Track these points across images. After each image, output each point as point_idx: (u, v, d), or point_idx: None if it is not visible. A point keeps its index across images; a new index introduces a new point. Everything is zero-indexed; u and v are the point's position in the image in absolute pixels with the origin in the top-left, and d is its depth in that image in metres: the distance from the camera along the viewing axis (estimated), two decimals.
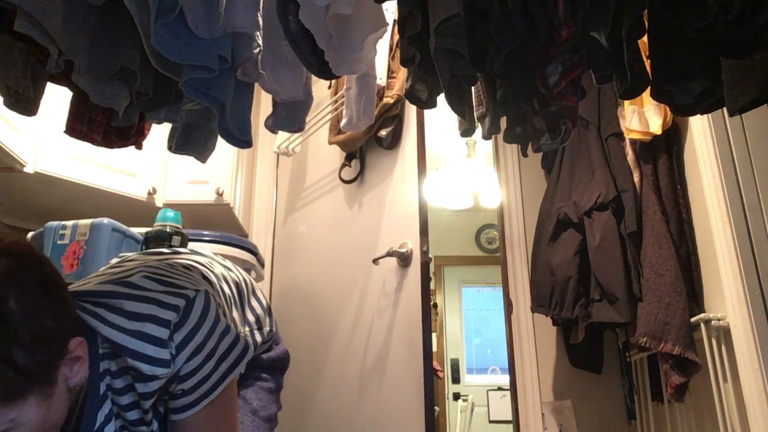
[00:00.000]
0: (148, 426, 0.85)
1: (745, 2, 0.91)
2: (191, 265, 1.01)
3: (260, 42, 1.14)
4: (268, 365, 1.23)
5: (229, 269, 1.20)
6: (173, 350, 0.82)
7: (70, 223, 1.80)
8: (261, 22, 1.14)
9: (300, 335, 2.49)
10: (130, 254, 1.11)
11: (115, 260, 1.05)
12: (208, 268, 1.08)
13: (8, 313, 0.69)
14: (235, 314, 1.12)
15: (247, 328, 1.18)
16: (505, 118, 1.45)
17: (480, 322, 5.81)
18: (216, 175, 2.54)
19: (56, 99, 1.66)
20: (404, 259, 2.00)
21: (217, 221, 2.65)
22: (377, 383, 2.03)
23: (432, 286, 5.22)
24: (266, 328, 1.22)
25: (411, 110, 2.16)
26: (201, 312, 0.85)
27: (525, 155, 1.52)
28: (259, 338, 1.20)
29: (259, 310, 1.20)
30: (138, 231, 1.83)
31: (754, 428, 1.64)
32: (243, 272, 1.24)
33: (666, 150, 2.13)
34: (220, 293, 1.05)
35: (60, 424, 0.78)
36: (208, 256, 1.18)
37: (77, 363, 0.78)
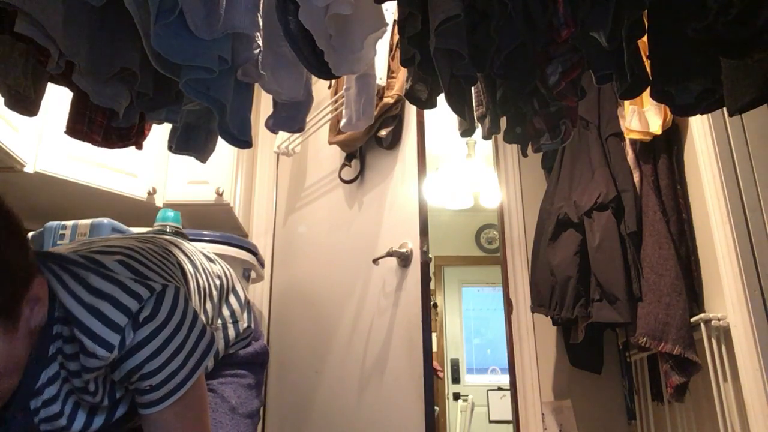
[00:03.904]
0: (93, 396, 0.85)
1: (744, 2, 0.91)
2: (170, 253, 1.01)
3: (260, 42, 1.14)
4: (246, 361, 1.22)
5: (212, 261, 1.19)
6: (132, 341, 0.81)
7: (70, 223, 1.80)
8: (261, 23, 1.15)
9: (300, 335, 2.49)
10: (114, 235, 1.10)
11: (98, 238, 1.05)
12: (188, 257, 1.08)
13: None
14: (209, 306, 1.11)
15: (220, 322, 1.17)
16: (505, 118, 1.45)
17: (480, 322, 5.81)
18: (216, 175, 2.54)
19: (56, 99, 1.66)
20: (404, 259, 2.00)
21: (217, 221, 2.65)
22: (377, 383, 2.03)
23: (432, 286, 5.22)
24: (243, 324, 1.20)
25: (411, 110, 2.16)
26: (170, 306, 0.85)
27: (525, 155, 1.52)
28: (232, 333, 1.19)
29: (235, 305, 1.20)
30: (138, 231, 1.83)
31: (754, 428, 1.64)
32: (226, 265, 1.24)
33: (666, 150, 2.13)
34: (194, 285, 1.04)
35: (21, 367, 0.79)
36: (193, 247, 1.18)
37: (38, 303, 0.79)
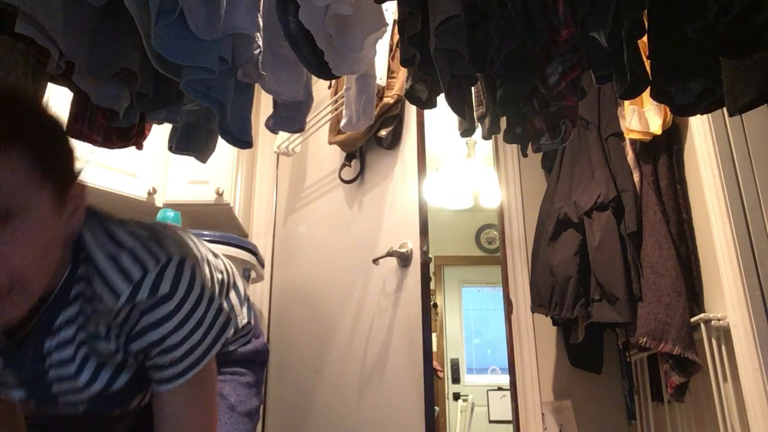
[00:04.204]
0: (107, 342, 0.84)
1: (745, 2, 0.91)
2: (186, 237, 1.02)
3: (260, 43, 1.14)
4: (245, 359, 1.21)
5: (216, 257, 1.19)
6: (153, 312, 0.82)
7: None
8: (261, 23, 1.15)
9: (300, 335, 2.49)
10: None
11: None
12: (197, 247, 1.08)
13: (42, 116, 0.77)
14: None
15: None
16: (505, 118, 1.45)
17: (480, 322, 5.81)
18: (216, 175, 2.54)
19: (57, 99, 1.66)
20: (404, 259, 2.00)
21: (217, 221, 2.65)
22: (377, 383, 2.03)
23: (432, 286, 5.22)
24: (242, 320, 1.19)
25: (411, 110, 2.16)
26: (190, 278, 0.85)
27: (525, 155, 1.53)
28: (230, 330, 1.19)
29: (235, 301, 1.19)
30: None
31: (754, 428, 1.64)
32: (228, 261, 1.24)
33: (666, 150, 2.13)
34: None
35: (51, 271, 0.79)
36: (199, 241, 1.18)
37: (76, 211, 0.81)
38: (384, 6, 1.22)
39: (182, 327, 0.84)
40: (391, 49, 2.14)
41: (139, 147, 1.44)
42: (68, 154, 0.81)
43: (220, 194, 2.51)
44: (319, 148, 2.60)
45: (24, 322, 0.81)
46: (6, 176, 0.70)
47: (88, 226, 0.85)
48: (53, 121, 0.80)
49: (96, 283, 0.80)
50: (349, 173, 2.37)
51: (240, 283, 1.24)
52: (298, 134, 2.52)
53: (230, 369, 1.18)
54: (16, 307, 0.74)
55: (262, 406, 2.51)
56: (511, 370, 2.54)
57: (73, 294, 0.83)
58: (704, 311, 1.93)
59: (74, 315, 0.84)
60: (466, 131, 1.48)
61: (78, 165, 0.84)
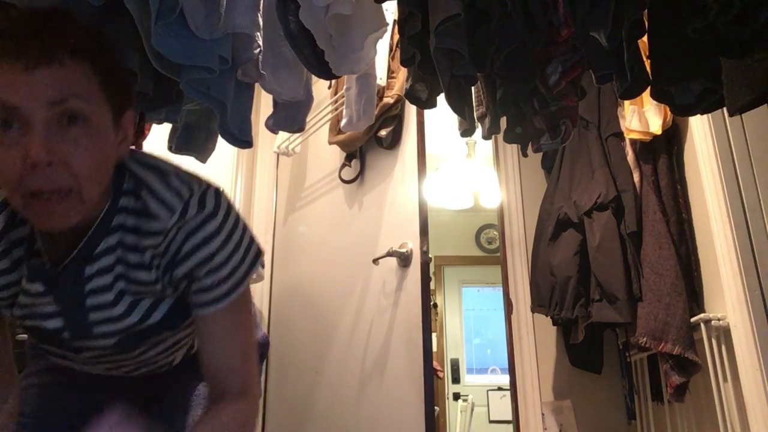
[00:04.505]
0: (148, 272, 0.87)
1: (745, 2, 0.91)
2: None
3: (260, 42, 1.14)
4: None
5: None
6: (198, 232, 0.85)
7: None
8: (261, 23, 1.15)
9: (300, 335, 2.49)
10: None
11: None
12: None
13: (108, 43, 0.82)
14: None
15: None
16: (505, 118, 1.45)
17: (480, 322, 5.81)
18: (216, 175, 2.52)
19: None
20: (404, 259, 2.00)
21: None
22: (377, 383, 2.03)
23: (432, 286, 5.22)
24: None
25: (411, 110, 2.16)
26: (228, 204, 0.89)
27: (525, 155, 1.53)
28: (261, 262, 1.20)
29: None
30: None
31: (754, 428, 1.64)
32: None
33: (666, 150, 2.13)
34: None
35: (103, 188, 0.82)
36: None
37: (126, 137, 0.85)
38: (384, 6, 1.22)
39: (226, 245, 0.87)
40: (391, 49, 2.14)
41: (139, 147, 1.44)
42: (126, 82, 0.87)
43: None
44: (319, 148, 2.60)
45: (67, 249, 0.85)
46: (76, 82, 0.75)
47: (130, 157, 0.89)
48: (115, 50, 0.86)
49: (150, 202, 0.85)
50: (349, 173, 2.37)
51: None
52: (298, 134, 2.52)
53: None
54: (67, 214, 0.78)
55: (261, 406, 2.52)
56: (511, 370, 2.54)
57: (114, 224, 0.86)
58: (704, 311, 1.93)
59: (114, 245, 0.87)
60: (466, 131, 1.48)
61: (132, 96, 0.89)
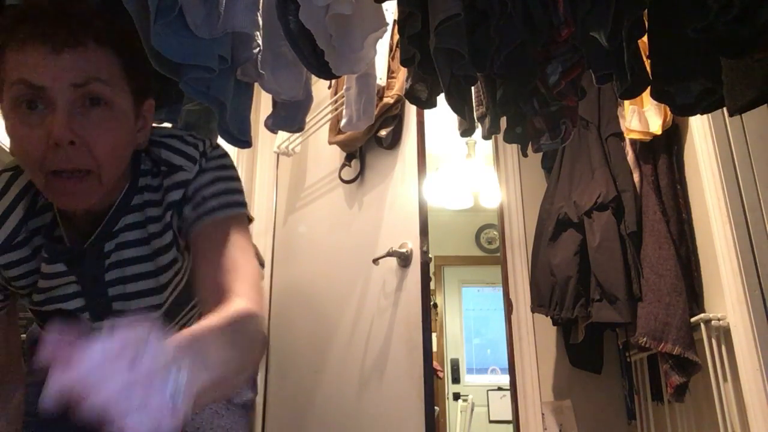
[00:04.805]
0: (160, 237, 0.89)
1: (745, 2, 0.91)
2: None
3: (260, 42, 1.14)
4: None
5: None
6: (206, 171, 0.90)
7: None
8: (261, 22, 1.15)
9: (300, 335, 2.49)
10: None
11: None
12: None
13: (132, 32, 0.88)
14: None
15: None
16: (505, 118, 1.45)
17: (480, 322, 5.81)
18: None
19: None
20: (404, 259, 2.00)
21: None
22: (377, 383, 2.03)
23: (432, 286, 5.22)
24: None
25: (411, 110, 2.16)
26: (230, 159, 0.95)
27: (525, 155, 1.53)
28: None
29: None
30: None
31: (754, 428, 1.64)
32: None
33: (666, 150, 2.13)
34: None
35: (121, 172, 0.85)
36: None
37: (146, 124, 0.88)
38: (384, 6, 1.22)
39: (227, 178, 0.92)
40: (391, 49, 2.14)
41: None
42: (147, 71, 0.90)
43: None
44: (319, 148, 2.60)
45: (88, 232, 0.88)
46: (100, 66, 0.78)
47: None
48: (137, 39, 0.91)
49: (172, 158, 0.89)
50: (349, 173, 2.37)
51: None
52: (298, 134, 2.52)
53: None
54: (86, 194, 0.80)
55: (262, 406, 2.52)
56: (511, 370, 2.53)
57: (134, 202, 0.90)
58: (704, 311, 1.93)
59: (135, 222, 0.90)
60: (466, 131, 1.48)
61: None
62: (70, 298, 0.92)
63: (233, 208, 0.90)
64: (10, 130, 0.79)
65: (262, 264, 2.40)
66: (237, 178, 0.94)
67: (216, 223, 0.88)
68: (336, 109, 2.30)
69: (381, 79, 2.09)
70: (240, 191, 0.93)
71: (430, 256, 1.99)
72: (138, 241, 0.90)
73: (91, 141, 0.77)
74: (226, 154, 0.94)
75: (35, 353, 1.11)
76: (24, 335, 1.16)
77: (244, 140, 1.25)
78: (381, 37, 1.28)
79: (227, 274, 0.82)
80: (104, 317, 0.93)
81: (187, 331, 0.57)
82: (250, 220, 0.96)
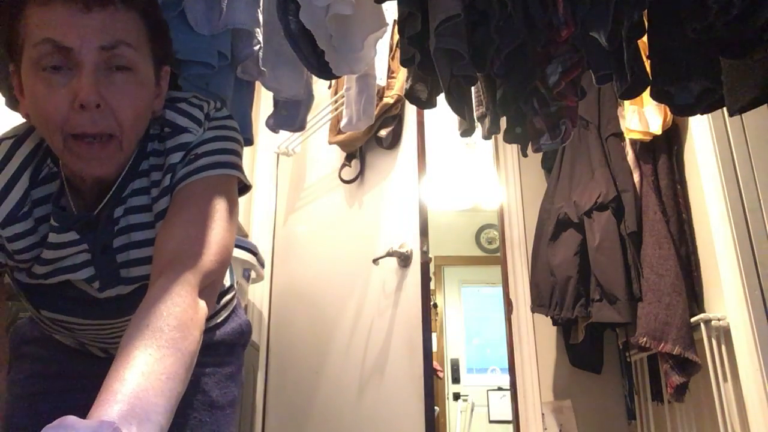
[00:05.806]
0: (158, 201, 0.87)
1: (745, 2, 0.91)
2: None
3: (260, 39, 1.14)
4: (230, 342, 1.14)
5: None
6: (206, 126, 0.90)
7: None
8: (261, 19, 1.15)
9: (300, 335, 2.49)
10: None
11: None
12: None
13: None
14: None
15: None
16: (505, 118, 1.45)
17: (480, 322, 5.81)
18: None
19: None
20: (404, 259, 2.00)
21: None
22: (377, 383, 2.03)
23: (432, 286, 5.22)
24: (225, 282, 1.10)
25: (411, 110, 2.16)
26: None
27: (525, 155, 1.52)
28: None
29: None
30: None
31: (754, 428, 1.64)
32: None
33: (666, 150, 2.13)
34: None
35: (138, 138, 0.84)
36: None
37: (162, 92, 0.88)
38: (384, 6, 1.22)
39: (230, 139, 0.90)
40: (391, 49, 2.14)
41: None
42: (169, 39, 0.90)
43: None
44: (319, 148, 2.60)
45: (96, 199, 0.86)
46: (128, 30, 0.78)
47: None
48: (159, 6, 0.90)
49: (177, 120, 0.88)
50: (349, 173, 2.37)
51: None
52: (298, 134, 2.52)
53: (212, 358, 1.12)
54: (107, 160, 0.79)
55: (262, 406, 2.52)
56: (511, 370, 2.54)
57: (142, 168, 0.87)
58: (704, 311, 1.93)
59: (142, 187, 0.88)
60: (466, 131, 1.48)
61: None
62: (80, 268, 0.88)
63: (223, 168, 0.85)
64: (29, 90, 0.76)
65: (262, 264, 2.40)
66: (236, 140, 0.90)
67: (198, 182, 0.83)
68: (336, 109, 2.31)
69: (381, 79, 2.09)
70: (235, 153, 0.89)
71: (430, 256, 2.00)
72: (143, 207, 0.88)
73: (116, 105, 0.76)
74: (229, 116, 0.92)
75: (19, 356, 1.07)
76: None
77: (244, 138, 1.25)
78: (381, 38, 1.28)
79: (183, 242, 0.75)
80: (112, 285, 0.90)
81: (124, 393, 0.53)
82: (247, 187, 0.92)
